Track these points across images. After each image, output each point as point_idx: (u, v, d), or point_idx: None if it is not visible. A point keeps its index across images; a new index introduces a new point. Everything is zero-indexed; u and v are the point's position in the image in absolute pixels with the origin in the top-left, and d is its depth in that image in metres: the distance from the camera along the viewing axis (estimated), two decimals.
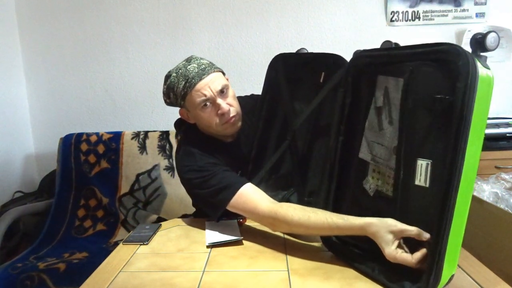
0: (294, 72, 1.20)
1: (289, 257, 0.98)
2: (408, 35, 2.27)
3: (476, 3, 2.26)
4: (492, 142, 1.93)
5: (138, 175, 2.07)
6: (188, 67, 1.18)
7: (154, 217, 1.93)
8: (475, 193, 1.18)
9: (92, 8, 2.28)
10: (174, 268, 0.95)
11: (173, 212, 1.94)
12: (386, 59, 0.91)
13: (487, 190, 1.17)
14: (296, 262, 0.95)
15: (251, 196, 1.08)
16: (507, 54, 2.30)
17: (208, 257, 1.00)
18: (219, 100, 1.17)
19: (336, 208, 0.99)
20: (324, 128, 1.09)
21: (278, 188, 1.15)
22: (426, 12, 2.26)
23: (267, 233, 1.15)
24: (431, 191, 0.78)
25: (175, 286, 0.87)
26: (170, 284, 0.87)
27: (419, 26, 2.27)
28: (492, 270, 0.89)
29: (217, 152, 1.21)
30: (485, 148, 1.94)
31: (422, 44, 0.80)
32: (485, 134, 2.07)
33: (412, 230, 0.80)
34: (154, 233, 1.16)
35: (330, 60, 1.09)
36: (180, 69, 1.19)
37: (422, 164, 0.80)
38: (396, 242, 0.83)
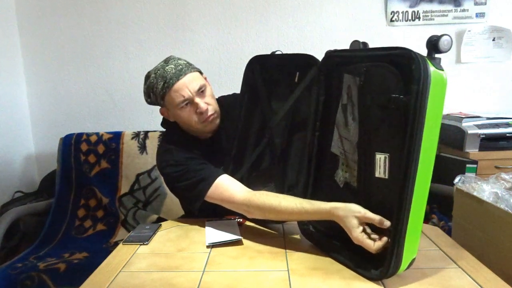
0: (271, 73, 1.25)
1: (289, 257, 0.98)
2: (408, 35, 2.26)
3: (476, 3, 2.26)
4: (492, 142, 1.93)
5: (138, 175, 2.07)
6: (166, 68, 1.21)
7: (154, 217, 1.93)
8: (475, 193, 1.18)
9: (92, 8, 2.28)
10: (174, 268, 0.95)
11: (173, 212, 1.94)
12: (352, 59, 0.98)
13: (487, 190, 1.17)
14: (296, 262, 0.96)
15: (227, 187, 1.14)
16: (507, 54, 2.30)
17: (208, 257, 1.00)
18: (197, 99, 1.21)
19: (314, 199, 1.05)
20: (300, 125, 1.15)
21: (258, 184, 1.19)
22: (426, 12, 2.26)
23: (267, 233, 1.15)
24: (391, 182, 0.85)
25: (175, 286, 0.87)
26: (170, 284, 0.87)
27: (419, 26, 2.27)
28: (492, 270, 0.89)
29: (196, 148, 1.27)
30: (485, 148, 1.98)
31: (381, 47, 0.88)
32: (485, 134, 2.07)
33: (374, 218, 0.87)
34: (154, 233, 1.17)
35: (303, 60, 1.14)
36: (158, 70, 1.23)
37: (381, 158, 0.87)
38: (361, 227, 0.89)
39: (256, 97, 1.28)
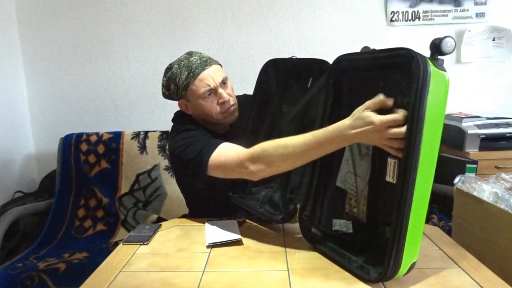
0: (284, 77, 1.26)
1: (289, 257, 0.98)
2: (408, 35, 2.27)
3: (476, 3, 2.26)
4: (492, 142, 1.93)
5: (138, 175, 2.07)
6: (191, 59, 1.25)
7: (154, 217, 1.94)
8: (475, 193, 1.18)
9: (92, 8, 2.28)
10: (174, 268, 0.95)
11: (173, 212, 1.95)
12: (361, 62, 0.98)
13: (487, 190, 1.17)
14: (296, 262, 0.96)
15: (231, 147, 1.13)
16: (507, 54, 2.30)
17: (208, 257, 1.00)
18: (221, 90, 1.25)
19: (316, 202, 1.05)
20: (309, 129, 1.13)
21: (262, 185, 1.18)
22: (426, 12, 2.26)
23: (267, 233, 1.15)
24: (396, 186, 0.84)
25: (175, 286, 0.87)
26: (170, 284, 0.87)
27: (419, 26, 2.27)
28: (492, 270, 0.89)
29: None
30: (485, 148, 1.98)
31: (384, 49, 0.88)
32: (485, 134, 2.06)
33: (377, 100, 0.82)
34: (154, 233, 1.17)
35: (317, 66, 1.14)
36: (182, 61, 1.26)
37: (391, 162, 0.86)
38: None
39: (268, 99, 1.29)
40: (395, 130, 0.79)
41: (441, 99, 0.79)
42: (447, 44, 0.78)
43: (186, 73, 1.23)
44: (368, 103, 0.85)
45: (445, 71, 0.79)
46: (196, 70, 1.23)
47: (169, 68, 1.28)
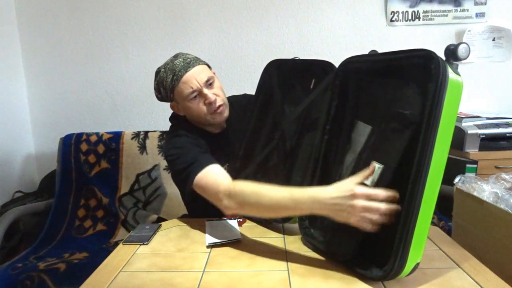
0: (287, 78, 1.26)
1: (289, 257, 0.98)
2: (408, 35, 2.27)
3: (476, 3, 2.26)
4: (492, 142, 1.93)
5: (138, 175, 2.07)
6: (175, 61, 1.25)
7: (154, 217, 1.93)
8: (475, 193, 1.18)
9: (92, 8, 2.28)
10: (174, 268, 0.95)
11: (173, 212, 1.94)
12: (372, 64, 0.97)
13: (487, 190, 1.17)
14: (296, 262, 0.95)
15: (215, 174, 1.12)
16: (507, 54, 2.30)
17: (208, 257, 1.00)
18: (206, 91, 1.24)
19: None
20: (311, 130, 1.14)
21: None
22: (426, 12, 2.26)
23: (267, 233, 1.15)
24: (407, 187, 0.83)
25: (175, 286, 0.87)
26: (170, 284, 0.87)
27: (419, 26, 2.27)
28: (492, 270, 0.89)
29: (204, 141, 1.28)
30: (485, 148, 1.97)
31: (401, 50, 0.89)
32: (485, 134, 2.05)
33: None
34: (154, 233, 1.17)
35: (320, 67, 1.14)
36: (167, 64, 1.27)
37: (376, 167, 0.86)
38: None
39: (270, 99, 1.29)
40: (375, 204, 0.81)
41: (456, 101, 0.80)
42: (463, 50, 0.80)
43: (171, 76, 1.23)
44: (355, 176, 0.86)
45: (460, 75, 0.80)
46: (179, 73, 1.22)
47: (157, 72, 1.29)
